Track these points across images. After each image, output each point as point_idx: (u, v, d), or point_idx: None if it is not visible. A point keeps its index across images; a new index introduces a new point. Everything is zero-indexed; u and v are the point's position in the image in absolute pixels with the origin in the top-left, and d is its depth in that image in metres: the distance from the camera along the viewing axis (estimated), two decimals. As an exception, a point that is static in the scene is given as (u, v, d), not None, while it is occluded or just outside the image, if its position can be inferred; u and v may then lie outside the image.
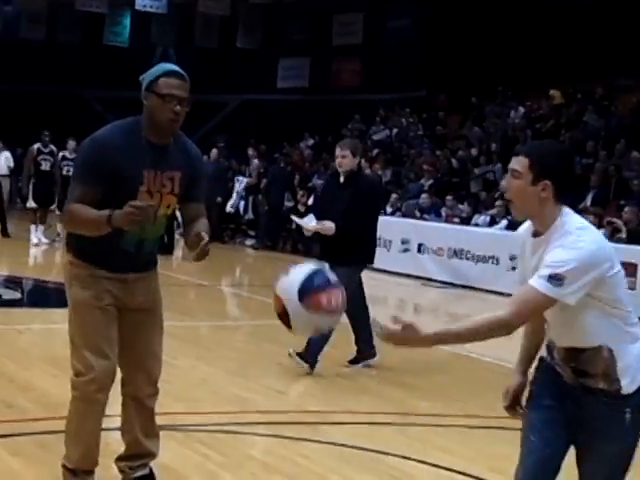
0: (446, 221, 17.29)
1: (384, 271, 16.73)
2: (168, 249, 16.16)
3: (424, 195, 18.42)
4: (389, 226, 17.45)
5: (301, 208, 20.49)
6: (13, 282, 13.07)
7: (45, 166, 17.43)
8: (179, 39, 31.15)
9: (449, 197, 18.04)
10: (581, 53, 22.68)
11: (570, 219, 3.37)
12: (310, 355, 7.84)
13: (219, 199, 20.82)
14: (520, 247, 3.63)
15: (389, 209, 18.84)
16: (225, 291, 14.66)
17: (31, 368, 7.53)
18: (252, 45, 30.74)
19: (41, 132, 17.64)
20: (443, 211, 17.90)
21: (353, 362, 8.33)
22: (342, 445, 5.88)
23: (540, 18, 23.52)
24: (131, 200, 4.07)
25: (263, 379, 7.63)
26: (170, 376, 6.77)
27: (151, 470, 4.71)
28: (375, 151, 23.51)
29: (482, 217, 16.94)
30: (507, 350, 10.14)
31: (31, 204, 17.55)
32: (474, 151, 21.39)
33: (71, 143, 17.42)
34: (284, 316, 3.67)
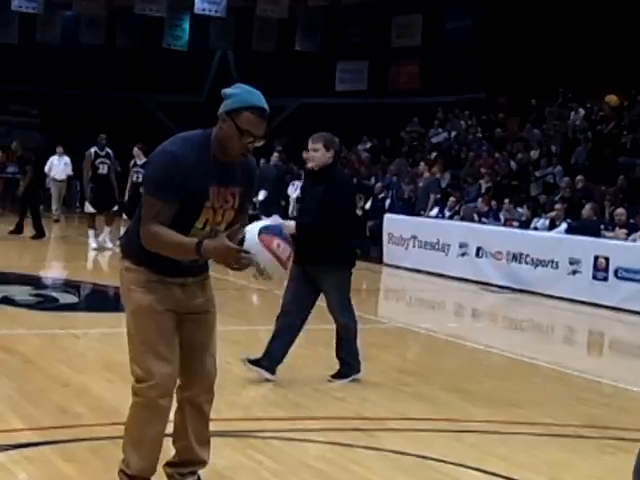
0: (505, 225, 17.10)
1: (442, 275, 16.63)
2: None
3: (482, 199, 18.25)
4: (447, 230, 17.35)
5: (359, 212, 20.43)
6: (71, 286, 13.19)
7: (102, 169, 17.28)
8: (237, 43, 31.27)
9: (507, 200, 17.86)
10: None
11: None
12: (268, 360, 7.43)
13: (282, 203, 20.84)
14: None
15: (447, 212, 18.70)
16: (279, 295, 14.61)
17: (87, 373, 7.55)
18: (310, 48, 30.73)
19: (98, 135, 17.71)
20: (502, 214, 17.72)
21: (337, 376, 7.66)
22: (398, 452, 5.80)
23: (601, 18, 23.18)
24: (194, 215, 4.22)
25: (318, 384, 7.57)
26: (225, 381, 6.75)
27: (199, 478, 4.67)
28: (434, 154, 23.37)
29: (541, 220, 16.73)
30: (567, 356, 9.93)
31: (89, 209, 17.47)
32: (534, 153, 21.14)
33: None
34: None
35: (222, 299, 4.67)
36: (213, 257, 4.14)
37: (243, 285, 13.68)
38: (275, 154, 21.61)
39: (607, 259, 13.94)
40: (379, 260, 18.37)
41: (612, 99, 22.55)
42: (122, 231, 16.92)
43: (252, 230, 4.16)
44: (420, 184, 20.49)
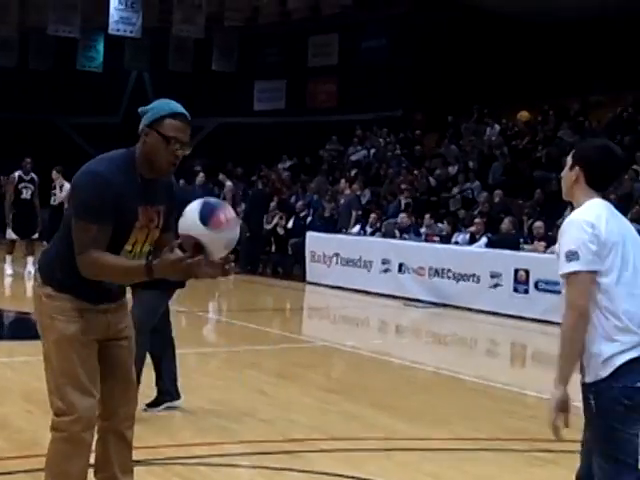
0: (426, 240, 17.20)
1: (366, 292, 16.65)
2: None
3: (402, 214, 18.34)
4: (369, 246, 17.39)
5: (280, 231, 20.37)
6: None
7: (26, 194, 16.88)
8: (153, 63, 31.05)
9: (427, 216, 17.97)
10: (555, 70, 22.82)
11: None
12: (165, 393, 7.25)
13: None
14: None
15: (369, 229, 18.74)
16: (204, 317, 14.45)
17: (5, 404, 7.31)
18: (227, 68, 30.66)
19: (22, 159, 17.19)
20: (422, 230, 17.82)
21: (153, 405, 7.20)
22: (328, 474, 5.72)
23: (514, 37, 23.62)
24: (124, 236, 4.09)
25: (244, 407, 7.46)
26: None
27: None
28: (353, 171, 23.45)
29: (462, 235, 16.87)
30: (491, 370, 9.95)
31: (10, 235, 17.03)
32: (452, 169, 21.36)
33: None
34: (198, 251, 3.84)
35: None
36: (168, 273, 3.94)
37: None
38: (201, 174, 21.48)
39: (527, 272, 14.12)
40: (302, 278, 18.33)
41: (523, 115, 22.98)
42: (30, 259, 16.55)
43: (196, 226, 3.84)
44: (341, 201, 20.53)
